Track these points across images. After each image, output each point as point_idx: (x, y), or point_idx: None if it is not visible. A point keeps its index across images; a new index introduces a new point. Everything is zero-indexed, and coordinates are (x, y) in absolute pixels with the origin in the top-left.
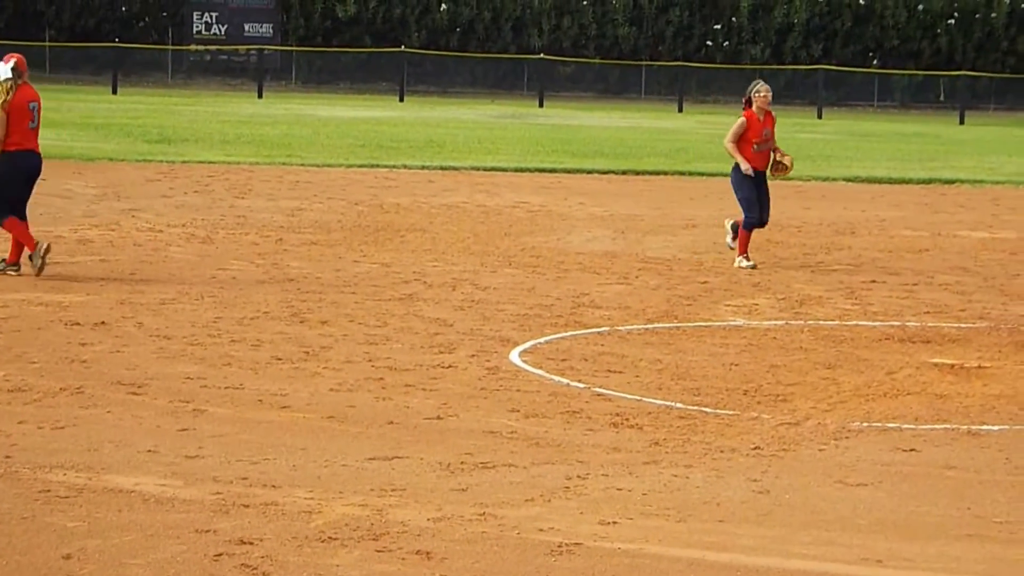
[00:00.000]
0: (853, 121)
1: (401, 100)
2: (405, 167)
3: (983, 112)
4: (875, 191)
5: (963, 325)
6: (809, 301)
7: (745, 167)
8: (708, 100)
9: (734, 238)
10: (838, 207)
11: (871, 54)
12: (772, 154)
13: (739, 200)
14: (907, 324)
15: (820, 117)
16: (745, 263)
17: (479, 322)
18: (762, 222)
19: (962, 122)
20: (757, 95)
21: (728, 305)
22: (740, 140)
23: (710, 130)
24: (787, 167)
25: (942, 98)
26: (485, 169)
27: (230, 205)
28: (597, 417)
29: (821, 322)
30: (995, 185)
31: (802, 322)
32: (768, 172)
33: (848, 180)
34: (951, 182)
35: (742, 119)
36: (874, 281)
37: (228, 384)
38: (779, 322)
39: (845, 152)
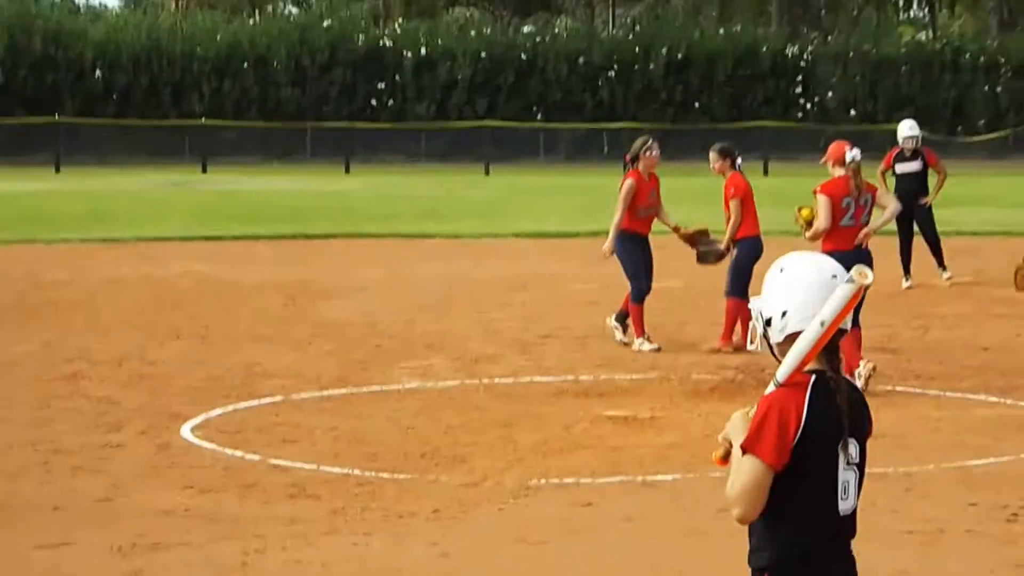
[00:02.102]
0: (520, 176)
1: (57, 171)
2: (65, 241)
3: None
4: (544, 246)
5: (635, 376)
6: (484, 359)
7: (610, 247)
8: (375, 160)
9: (625, 330)
10: (509, 263)
11: (535, 109)
12: (698, 240)
13: (625, 270)
14: (580, 378)
15: (488, 173)
16: (648, 346)
17: (148, 398)
18: (648, 290)
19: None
20: (646, 154)
21: (403, 367)
22: (632, 205)
23: (378, 191)
24: (721, 253)
25: (606, 151)
26: (149, 239)
27: None
28: (273, 489)
29: (496, 380)
30: (658, 234)
31: (477, 381)
32: (698, 259)
33: (517, 235)
34: None
35: (630, 182)
36: (547, 336)
37: None
38: (454, 382)
39: (513, 208)
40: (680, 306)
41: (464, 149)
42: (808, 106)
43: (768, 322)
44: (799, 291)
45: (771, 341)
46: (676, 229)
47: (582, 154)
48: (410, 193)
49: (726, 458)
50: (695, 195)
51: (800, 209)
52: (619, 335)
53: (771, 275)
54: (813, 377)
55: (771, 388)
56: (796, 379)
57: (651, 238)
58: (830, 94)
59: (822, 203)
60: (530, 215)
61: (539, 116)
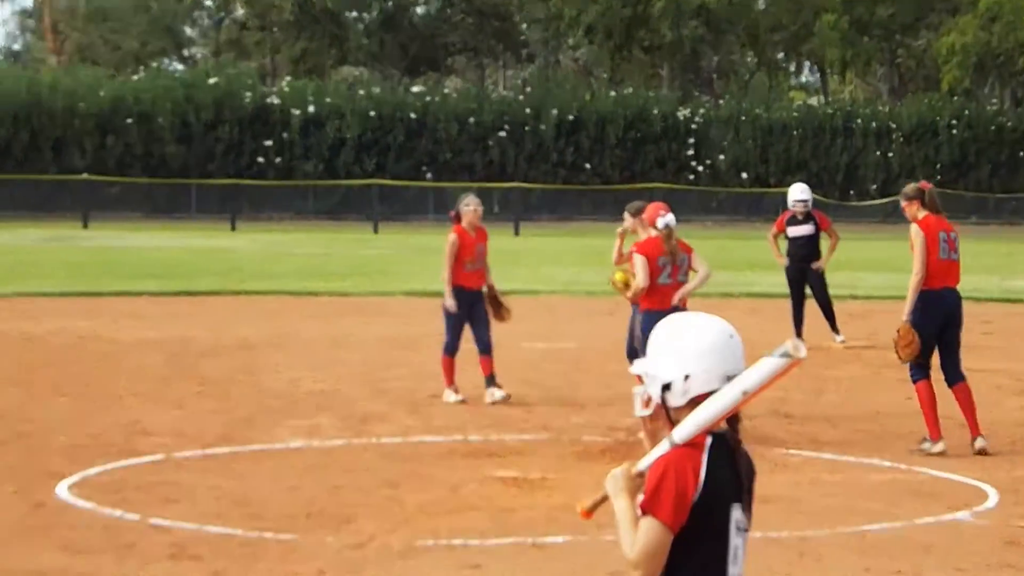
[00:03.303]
0: (409, 235)
1: None
2: None
3: (536, 223)
4: (433, 305)
5: (526, 437)
6: (372, 418)
7: (450, 303)
8: (262, 217)
9: (497, 387)
10: (398, 322)
11: (424, 167)
12: (497, 298)
13: (445, 324)
14: (470, 438)
15: (376, 231)
16: (453, 397)
17: (25, 456)
18: (484, 344)
19: (517, 233)
20: (467, 209)
21: (288, 426)
22: (457, 260)
23: (264, 248)
24: (507, 313)
25: (496, 210)
26: (28, 295)
27: None
28: (153, 550)
29: (384, 439)
30: (551, 295)
31: (365, 440)
32: (491, 313)
33: (407, 294)
34: (506, 293)
35: (453, 236)
36: (436, 396)
37: None
38: (341, 441)
39: (402, 266)
40: (573, 367)
41: (353, 207)
42: (700, 168)
43: (667, 386)
44: (702, 354)
45: (669, 404)
46: (489, 288)
47: None
48: (297, 250)
49: (591, 511)
50: (586, 255)
51: (614, 274)
52: (498, 393)
53: (665, 336)
54: (711, 438)
55: (664, 447)
56: (693, 440)
57: (563, 298)
58: (722, 157)
59: (639, 262)
60: (419, 274)
61: (428, 175)
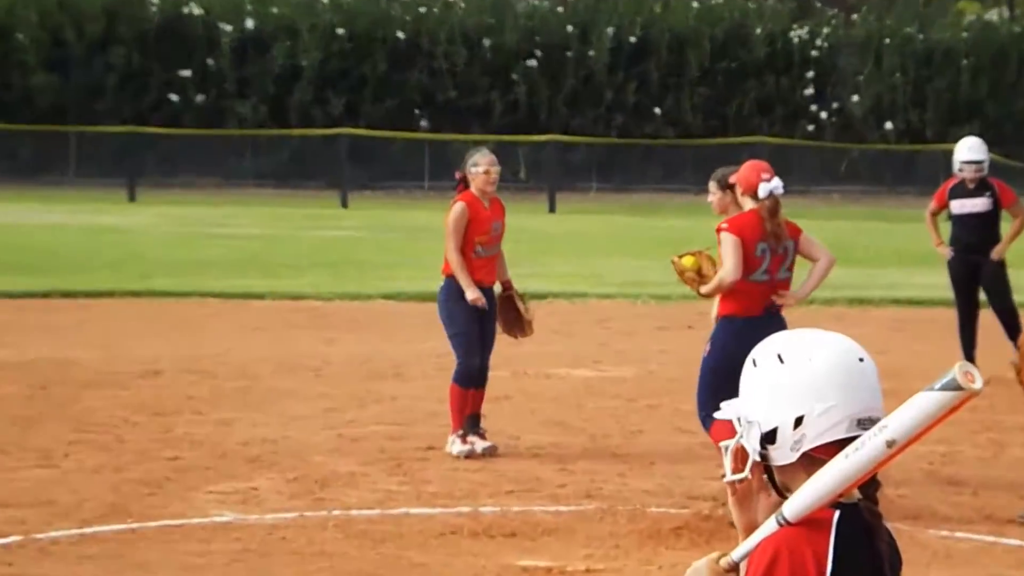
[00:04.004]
0: (393, 210)
1: None
2: None
3: (580, 194)
4: (426, 312)
5: (563, 508)
6: (335, 480)
7: (473, 295)
8: (174, 183)
9: (473, 436)
10: (374, 337)
11: (417, 112)
12: (514, 302)
13: (451, 338)
14: (481, 509)
15: (345, 205)
16: (460, 447)
17: None
18: (482, 371)
19: (552, 208)
20: (476, 170)
21: (212, 492)
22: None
23: (177, 228)
24: (528, 326)
25: (522, 175)
26: None
27: None
28: None
29: (353, 512)
30: (601, 299)
31: (325, 513)
32: (501, 324)
33: (387, 297)
34: (530, 296)
35: (460, 205)
36: (430, 447)
37: None
38: (291, 514)
39: (383, 256)
40: (631, 406)
41: (311, 169)
42: (823, 115)
43: (769, 436)
44: (821, 387)
45: (773, 461)
46: (505, 287)
47: None
48: (228, 232)
49: None
50: (653, 242)
51: (681, 257)
52: (479, 444)
53: (762, 366)
54: (838, 512)
55: (771, 527)
56: (813, 515)
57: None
58: (855, 98)
59: (729, 244)
60: (407, 266)
61: (423, 123)
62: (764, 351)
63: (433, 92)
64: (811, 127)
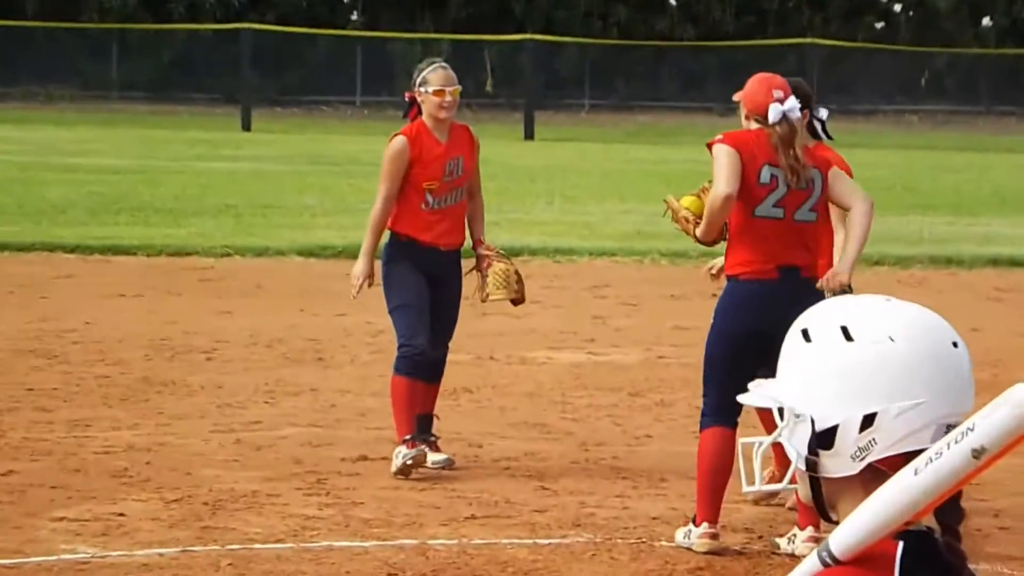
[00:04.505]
0: (312, 136)
1: None
2: None
3: (568, 114)
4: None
5: (542, 541)
6: (232, 502)
7: (359, 270)
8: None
9: (429, 446)
10: (289, 307)
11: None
12: (486, 260)
13: (390, 313)
14: (431, 542)
15: (247, 128)
16: (403, 457)
17: None
18: (431, 360)
19: (530, 134)
20: (426, 92)
21: (61, 519)
22: (404, 183)
23: (2, 157)
24: (518, 293)
25: (489, 87)
26: None
27: None
28: None
29: (256, 546)
30: (595, 257)
31: (218, 547)
32: (479, 292)
33: (308, 254)
34: (517, 252)
35: (398, 143)
36: (363, 459)
37: None
38: (171, 550)
39: (297, 197)
40: (634, 402)
41: (199, 77)
42: (897, 8)
43: (825, 438)
44: (900, 377)
45: (825, 472)
46: (478, 246)
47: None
48: (84, 164)
49: None
50: (666, 179)
51: (681, 197)
52: (432, 456)
53: (820, 342)
54: (902, 544)
55: (813, 565)
56: (869, 550)
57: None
58: None
59: (722, 156)
60: (331, 213)
61: (354, 16)
62: (822, 320)
63: None
64: (880, 24)
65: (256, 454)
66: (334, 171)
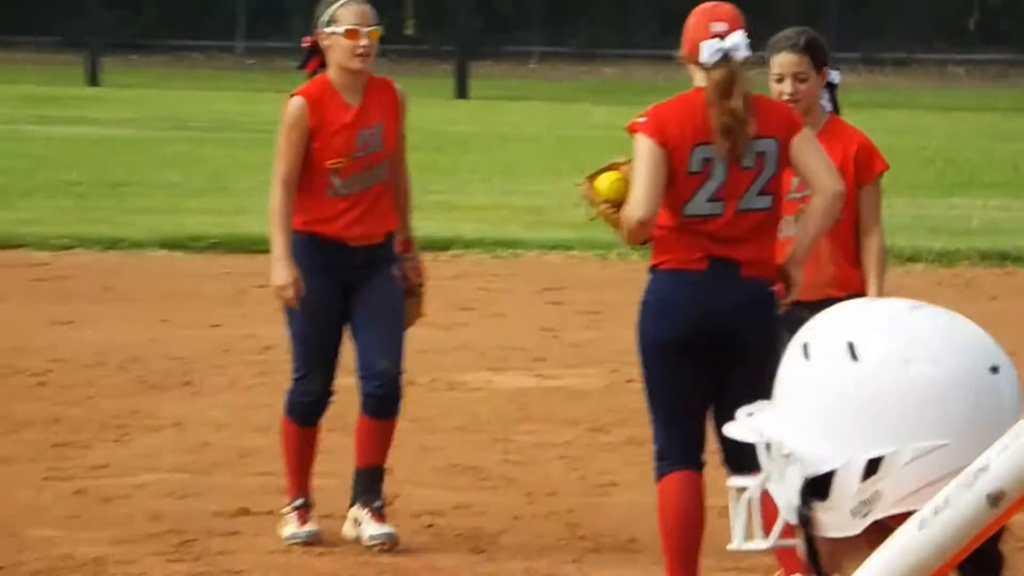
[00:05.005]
0: (184, 92)
1: None
2: None
3: (512, 63)
4: (252, 272)
5: None
6: (69, 572)
7: (282, 277)
8: None
9: (374, 514)
10: (149, 315)
11: None
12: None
13: (290, 338)
14: None
15: (95, 82)
16: (300, 530)
17: None
18: (324, 399)
19: (463, 92)
20: (332, 30)
21: None
22: (305, 168)
23: None
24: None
25: (409, 29)
26: None
27: None
28: None
29: None
30: (546, 250)
31: None
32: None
33: (174, 246)
34: (428, 247)
35: (296, 105)
36: (244, 513)
37: None
38: None
39: (161, 173)
40: (595, 439)
41: (29, 15)
42: None
43: (818, 485)
44: (922, 414)
45: (819, 529)
46: (402, 246)
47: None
48: None
49: None
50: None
51: (593, 177)
52: (372, 529)
53: (818, 361)
54: None
55: None
56: None
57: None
58: None
59: (641, 156)
60: (204, 194)
61: None
62: (825, 333)
63: None
64: None
65: (103, 509)
66: (207, 138)
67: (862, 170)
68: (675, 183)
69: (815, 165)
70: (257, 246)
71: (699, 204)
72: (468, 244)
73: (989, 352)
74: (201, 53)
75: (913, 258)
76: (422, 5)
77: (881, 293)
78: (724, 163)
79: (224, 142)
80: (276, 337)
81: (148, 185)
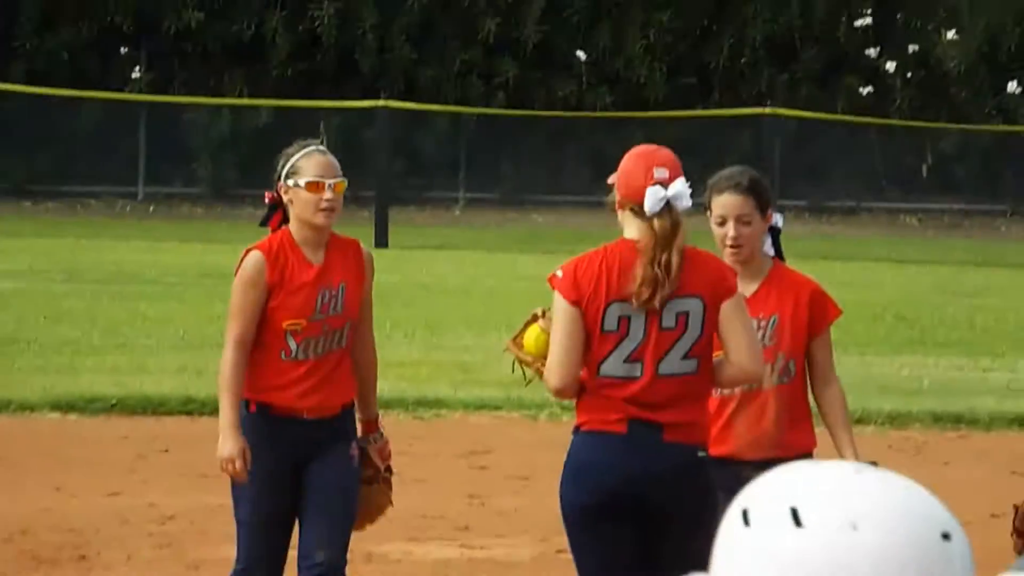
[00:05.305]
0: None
1: None
2: None
3: (434, 209)
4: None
5: None
6: None
7: (229, 450)
8: None
9: None
10: (40, 488)
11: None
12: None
13: (236, 524)
14: None
15: None
16: None
17: None
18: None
19: (382, 241)
20: (295, 182)
21: None
22: (259, 328)
23: None
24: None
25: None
26: None
27: None
28: None
29: None
30: (476, 411)
31: None
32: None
33: (66, 410)
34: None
35: (253, 258)
36: None
37: None
38: None
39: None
40: None
41: None
42: (890, 67)
43: None
44: None
45: None
46: (366, 428)
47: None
48: None
49: None
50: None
51: (519, 336)
52: None
53: (760, 529)
54: None
55: None
56: None
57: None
58: (951, 35)
59: (556, 317)
60: (108, 351)
61: (136, 72)
62: (766, 498)
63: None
64: (866, 90)
65: None
66: (105, 291)
67: (816, 320)
68: (590, 342)
69: (738, 341)
70: (159, 408)
71: (615, 365)
72: (388, 403)
73: (940, 519)
74: (97, 199)
75: (862, 420)
76: (339, 145)
77: (855, 448)
78: (643, 321)
79: (123, 295)
80: (179, 506)
81: (39, 342)
